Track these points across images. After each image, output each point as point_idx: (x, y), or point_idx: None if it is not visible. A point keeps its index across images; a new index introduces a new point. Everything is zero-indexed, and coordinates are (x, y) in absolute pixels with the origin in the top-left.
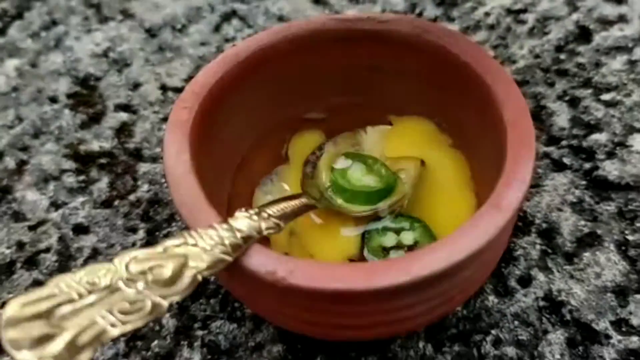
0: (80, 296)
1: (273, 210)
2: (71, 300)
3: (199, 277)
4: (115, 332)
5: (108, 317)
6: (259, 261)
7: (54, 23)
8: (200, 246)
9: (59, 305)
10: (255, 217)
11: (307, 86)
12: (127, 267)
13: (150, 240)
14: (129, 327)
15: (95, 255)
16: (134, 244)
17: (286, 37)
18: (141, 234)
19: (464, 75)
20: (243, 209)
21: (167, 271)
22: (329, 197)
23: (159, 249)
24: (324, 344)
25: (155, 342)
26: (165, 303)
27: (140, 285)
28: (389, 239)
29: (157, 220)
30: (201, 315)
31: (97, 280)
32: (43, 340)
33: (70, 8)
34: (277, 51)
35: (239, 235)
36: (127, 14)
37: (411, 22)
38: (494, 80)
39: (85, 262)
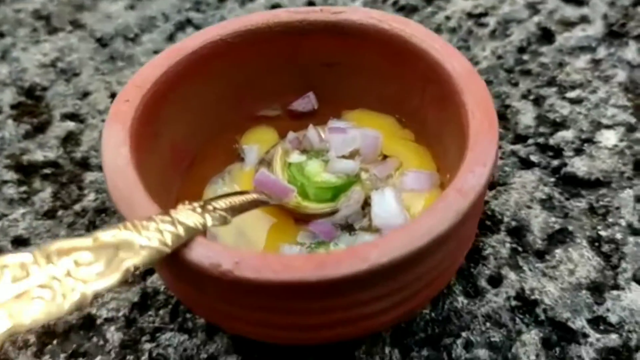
0: None
1: (220, 203)
2: None
3: (131, 269)
4: (29, 323)
5: (22, 309)
6: (202, 253)
7: (1, 35)
8: (135, 236)
9: None
10: (199, 210)
11: (260, 82)
12: (48, 257)
13: None
14: (44, 318)
15: None
16: None
17: (236, 30)
18: None
19: (422, 64)
20: (187, 202)
21: (94, 262)
22: None
23: (87, 239)
24: (281, 352)
25: (99, 357)
26: (89, 293)
27: (62, 276)
28: None
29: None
30: (149, 327)
31: (11, 272)
32: None
33: (18, 20)
34: (227, 45)
35: (180, 227)
36: (77, 25)
37: (367, 13)
38: (454, 67)
39: None
